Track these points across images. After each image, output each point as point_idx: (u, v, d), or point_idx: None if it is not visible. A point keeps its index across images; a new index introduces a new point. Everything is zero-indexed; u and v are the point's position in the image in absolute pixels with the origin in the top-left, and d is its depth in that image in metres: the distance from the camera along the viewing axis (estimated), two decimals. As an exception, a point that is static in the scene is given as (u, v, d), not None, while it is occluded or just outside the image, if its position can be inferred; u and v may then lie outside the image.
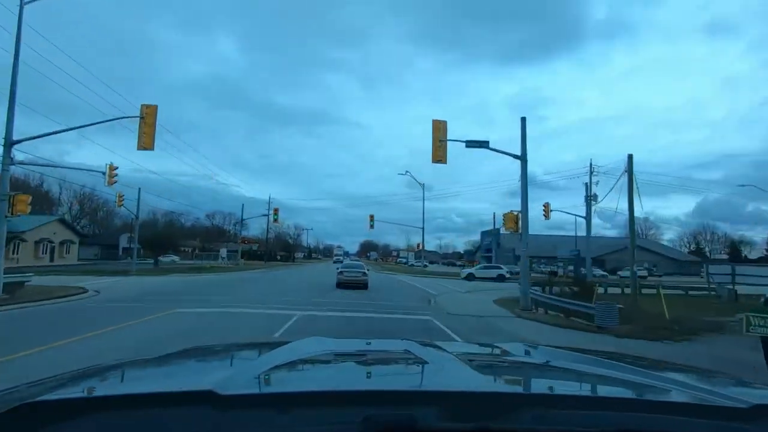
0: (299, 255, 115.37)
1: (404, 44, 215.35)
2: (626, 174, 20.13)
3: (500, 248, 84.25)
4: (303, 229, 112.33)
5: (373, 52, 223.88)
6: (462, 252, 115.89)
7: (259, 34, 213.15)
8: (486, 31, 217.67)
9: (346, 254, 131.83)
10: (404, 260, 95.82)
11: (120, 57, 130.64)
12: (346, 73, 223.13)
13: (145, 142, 14.73)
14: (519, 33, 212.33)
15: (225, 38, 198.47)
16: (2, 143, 14.33)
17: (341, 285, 21.53)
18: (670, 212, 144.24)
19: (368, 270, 24.26)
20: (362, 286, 21.50)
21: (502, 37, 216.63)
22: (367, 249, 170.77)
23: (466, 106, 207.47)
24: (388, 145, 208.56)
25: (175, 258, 63.49)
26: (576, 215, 39.99)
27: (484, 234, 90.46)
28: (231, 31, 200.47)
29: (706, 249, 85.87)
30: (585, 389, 1.19)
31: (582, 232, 41.13)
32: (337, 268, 24.07)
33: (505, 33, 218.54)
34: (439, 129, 16.40)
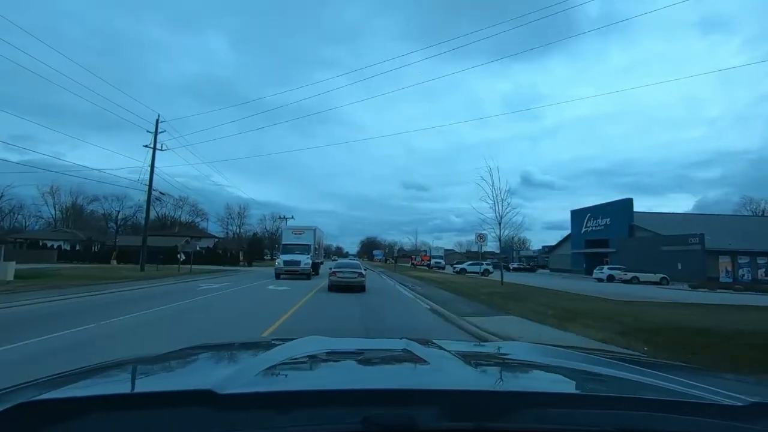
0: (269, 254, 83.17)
1: (397, 42, 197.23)
2: None
3: (633, 237, 43.26)
4: (281, 217, 73.39)
5: (366, 51, 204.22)
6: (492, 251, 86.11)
7: (250, 32, 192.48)
8: (480, 27, 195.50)
9: (345, 254, 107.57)
10: (439, 263, 57.62)
11: (110, 57, 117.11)
12: (341, 73, 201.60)
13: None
14: (514, 30, 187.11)
15: (216, 37, 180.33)
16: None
17: (334, 287, 17.38)
18: (668, 211, 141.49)
19: (365, 270, 19.73)
20: (358, 288, 17.56)
21: (496, 34, 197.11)
22: (369, 248, 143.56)
23: (461, 104, 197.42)
24: (384, 144, 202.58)
25: None
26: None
27: (578, 215, 50.98)
28: (223, 30, 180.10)
29: None
30: (584, 388, 1.17)
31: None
32: (330, 268, 18.97)
33: (499, 29, 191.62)
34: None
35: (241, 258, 54.00)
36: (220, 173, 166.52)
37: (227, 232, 77.98)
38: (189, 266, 31.42)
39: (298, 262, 23.02)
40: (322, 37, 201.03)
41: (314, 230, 27.75)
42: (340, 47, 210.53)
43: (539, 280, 33.61)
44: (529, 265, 68.06)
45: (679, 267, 32.99)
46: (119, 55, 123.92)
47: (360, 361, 1.45)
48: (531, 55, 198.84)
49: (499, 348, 1.87)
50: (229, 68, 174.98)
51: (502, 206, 19.64)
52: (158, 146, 28.38)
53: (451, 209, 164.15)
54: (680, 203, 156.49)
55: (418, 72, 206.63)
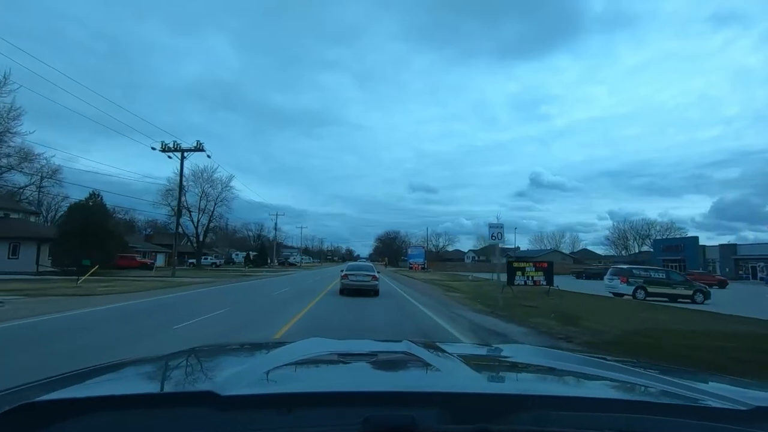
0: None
1: (401, 43, 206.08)
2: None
3: None
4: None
5: (371, 54, 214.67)
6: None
7: (256, 36, 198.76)
8: (483, 27, 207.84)
9: (355, 257, 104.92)
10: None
11: (116, 62, 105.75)
12: (347, 76, 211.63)
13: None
14: (518, 28, 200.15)
15: (223, 41, 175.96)
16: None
17: (345, 291, 17.36)
18: (684, 213, 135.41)
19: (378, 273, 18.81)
20: (372, 292, 17.31)
21: (500, 33, 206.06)
22: (389, 248, 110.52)
23: (468, 106, 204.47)
24: (393, 147, 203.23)
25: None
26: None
27: None
28: (229, 34, 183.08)
29: None
30: (584, 391, 1.17)
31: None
32: (341, 270, 19.20)
33: (502, 28, 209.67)
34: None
35: None
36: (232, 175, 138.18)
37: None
38: None
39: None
40: (328, 40, 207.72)
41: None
42: (346, 50, 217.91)
43: None
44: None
45: None
46: (124, 58, 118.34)
47: (361, 363, 1.43)
48: (538, 54, 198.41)
49: (500, 351, 1.86)
50: (235, 72, 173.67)
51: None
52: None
53: (462, 212, 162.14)
54: (697, 205, 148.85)
55: (428, 74, 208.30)
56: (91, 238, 27.93)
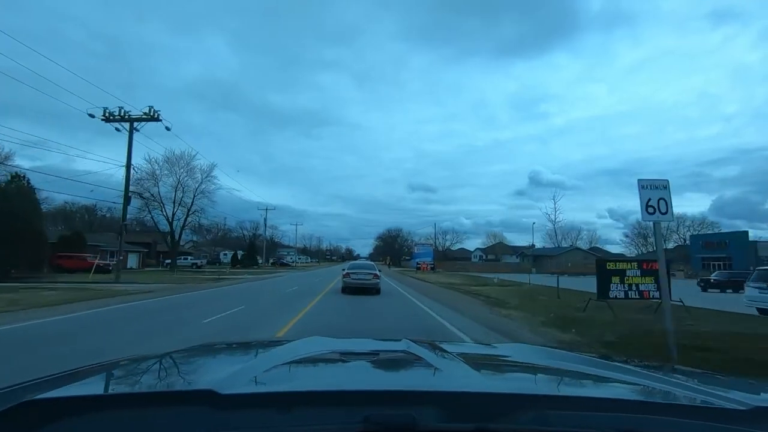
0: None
1: (400, 43, 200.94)
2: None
3: None
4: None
5: (370, 54, 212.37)
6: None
7: (255, 36, 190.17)
8: (482, 26, 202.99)
9: (355, 257, 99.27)
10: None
11: (115, 62, 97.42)
12: (346, 76, 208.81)
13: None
14: (517, 27, 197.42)
15: (222, 41, 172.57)
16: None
17: (347, 290, 17.45)
18: (683, 211, 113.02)
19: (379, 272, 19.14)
20: (373, 291, 17.42)
21: (499, 32, 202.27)
22: (391, 246, 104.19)
23: (467, 105, 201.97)
24: (392, 147, 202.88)
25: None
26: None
27: None
28: (228, 34, 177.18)
29: None
30: (584, 390, 1.17)
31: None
32: (343, 269, 19.61)
33: (502, 27, 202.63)
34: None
35: None
36: (229, 175, 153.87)
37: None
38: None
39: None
40: (327, 40, 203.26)
41: None
42: (345, 50, 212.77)
43: None
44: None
45: None
46: (123, 59, 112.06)
47: (361, 362, 1.42)
48: (537, 53, 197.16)
49: (500, 350, 1.85)
50: (234, 72, 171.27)
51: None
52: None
53: (462, 211, 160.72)
54: (696, 203, 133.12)
55: (427, 74, 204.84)
56: (2, 234, 20.91)
